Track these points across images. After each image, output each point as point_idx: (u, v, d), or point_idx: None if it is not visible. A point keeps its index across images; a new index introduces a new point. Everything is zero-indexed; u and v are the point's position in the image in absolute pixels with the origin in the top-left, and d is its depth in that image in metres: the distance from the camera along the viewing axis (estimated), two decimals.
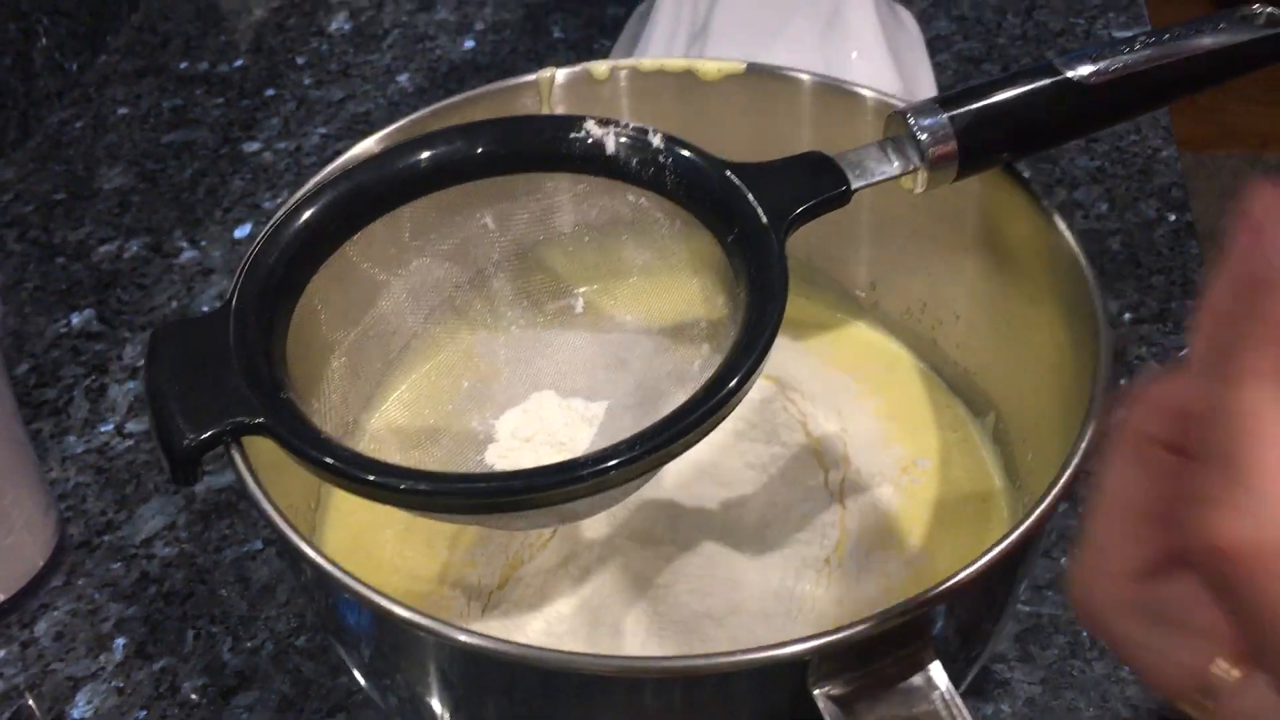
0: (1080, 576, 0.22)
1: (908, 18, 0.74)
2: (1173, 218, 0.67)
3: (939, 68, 0.75)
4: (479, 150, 0.41)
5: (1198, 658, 0.22)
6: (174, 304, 0.65)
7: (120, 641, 0.52)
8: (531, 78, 0.46)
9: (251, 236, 0.68)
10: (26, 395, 0.61)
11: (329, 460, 0.33)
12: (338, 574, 0.32)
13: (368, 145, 0.43)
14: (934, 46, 0.76)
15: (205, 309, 0.65)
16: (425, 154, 0.41)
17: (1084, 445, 0.35)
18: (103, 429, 0.60)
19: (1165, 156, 0.69)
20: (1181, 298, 0.63)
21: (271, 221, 0.39)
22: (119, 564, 0.54)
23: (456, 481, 0.33)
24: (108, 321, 0.65)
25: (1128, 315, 0.62)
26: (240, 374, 0.35)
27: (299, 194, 0.39)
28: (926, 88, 0.70)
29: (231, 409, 0.34)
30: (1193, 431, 0.21)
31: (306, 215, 0.39)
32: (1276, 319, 0.20)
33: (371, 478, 0.33)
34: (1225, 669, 0.22)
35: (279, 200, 0.71)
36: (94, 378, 0.62)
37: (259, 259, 0.38)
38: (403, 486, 0.33)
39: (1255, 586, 0.20)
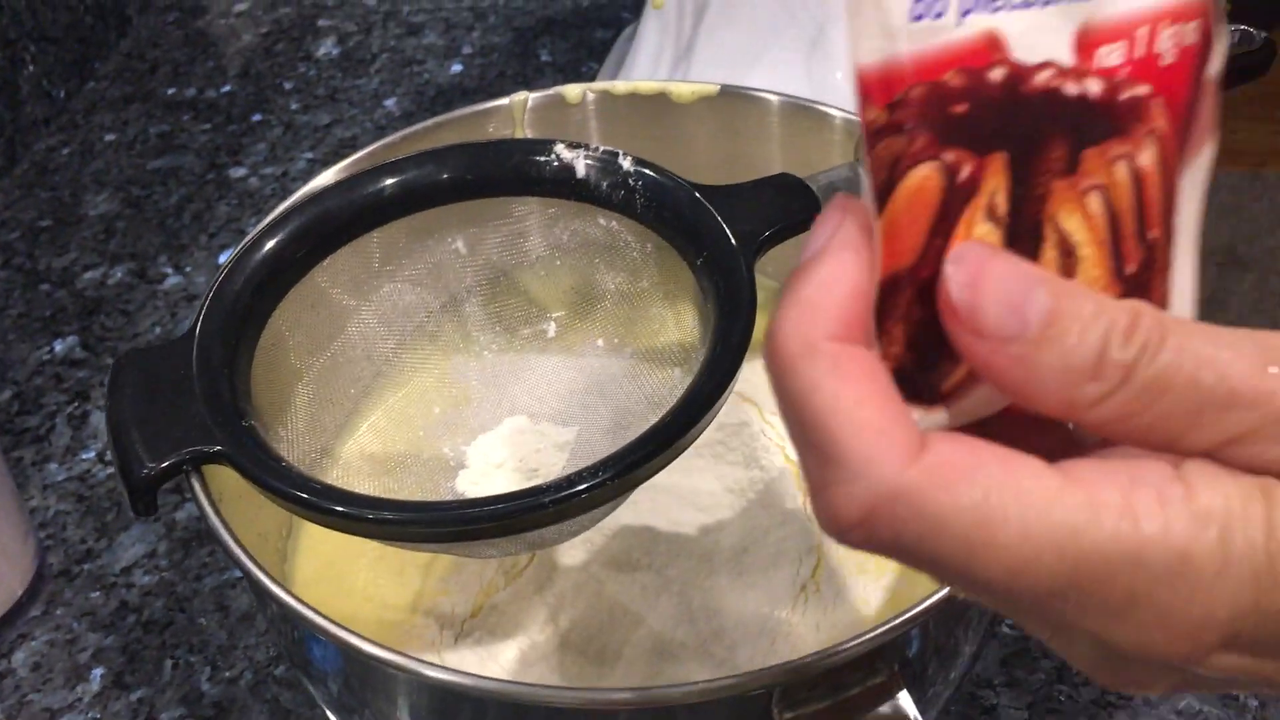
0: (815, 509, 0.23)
1: None
2: None
3: None
4: (448, 175, 0.41)
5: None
6: (157, 330, 0.65)
7: (98, 672, 0.51)
8: (504, 101, 0.46)
9: None
10: (9, 422, 0.61)
11: (288, 489, 0.33)
12: (301, 609, 0.32)
13: (330, 174, 0.43)
14: None
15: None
16: (393, 179, 0.40)
17: None
18: (84, 456, 0.59)
19: None
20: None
21: (238, 247, 0.38)
22: (98, 593, 0.54)
23: (417, 511, 0.32)
24: (91, 348, 0.64)
25: None
26: (202, 402, 0.35)
27: (266, 220, 0.39)
28: None
29: (191, 437, 0.34)
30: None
31: (273, 242, 0.39)
32: (799, 297, 0.22)
33: (333, 507, 0.32)
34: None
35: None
36: (76, 405, 0.62)
37: (224, 286, 0.38)
38: (369, 516, 0.32)
39: (893, 547, 0.21)
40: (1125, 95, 0.22)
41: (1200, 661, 0.21)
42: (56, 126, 0.78)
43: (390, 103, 0.79)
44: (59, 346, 0.65)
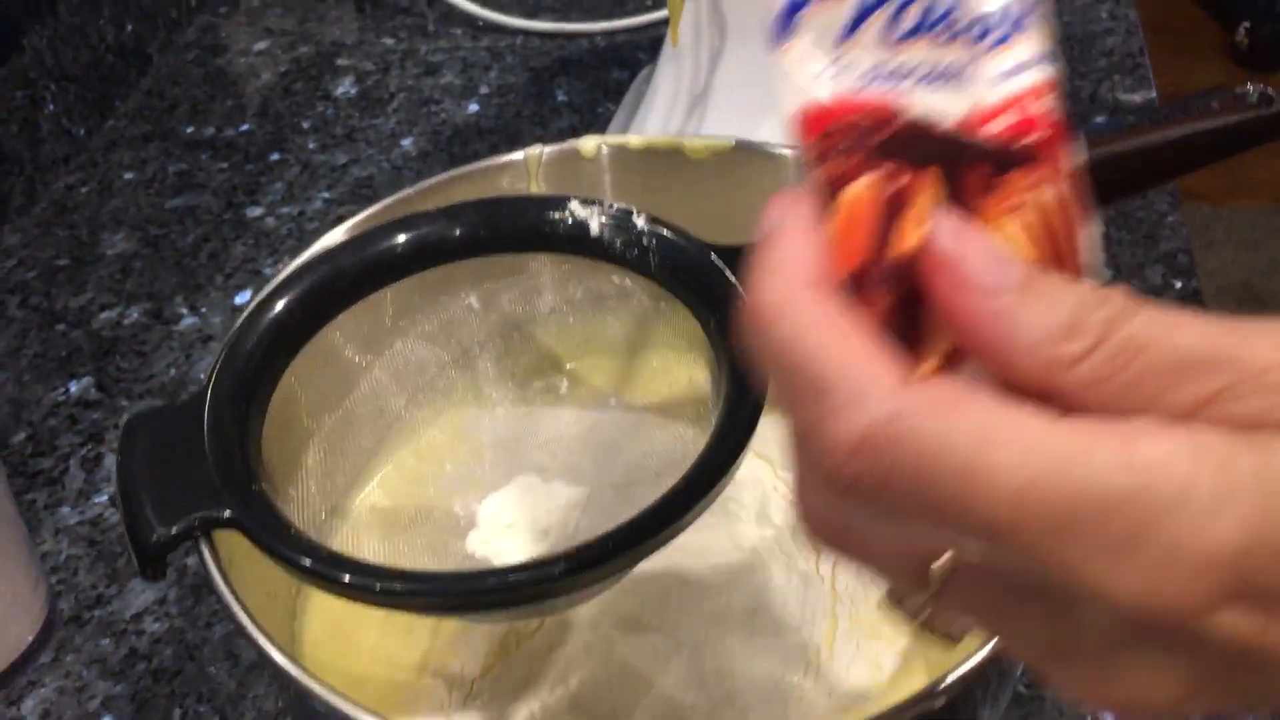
0: (796, 501, 0.23)
1: None
2: (1179, 284, 0.66)
3: None
4: (462, 231, 0.41)
5: (911, 552, 0.23)
6: (172, 371, 0.65)
7: None
8: (518, 155, 0.46)
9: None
10: (22, 465, 0.61)
11: (297, 558, 0.33)
12: (303, 678, 0.32)
13: (341, 231, 0.43)
14: None
15: (201, 377, 0.65)
16: (408, 236, 0.40)
17: None
18: (97, 500, 0.59)
19: (1171, 221, 0.68)
20: None
21: (250, 305, 0.38)
22: (108, 640, 0.54)
23: (424, 582, 0.32)
24: (106, 390, 0.64)
25: None
26: (212, 465, 0.34)
27: (278, 278, 0.39)
28: None
29: (202, 502, 0.34)
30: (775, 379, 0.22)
31: (285, 300, 0.39)
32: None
33: (339, 576, 0.32)
34: (939, 564, 0.22)
35: (280, 266, 0.71)
36: (90, 447, 0.62)
37: (237, 345, 0.37)
38: (376, 587, 0.32)
39: (889, 475, 0.21)
40: (1024, 140, 0.24)
41: (1208, 616, 0.20)
42: (76, 165, 0.78)
43: (407, 142, 0.79)
44: (74, 387, 0.65)
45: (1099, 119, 0.74)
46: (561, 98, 0.81)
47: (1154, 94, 0.76)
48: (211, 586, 0.52)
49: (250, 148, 0.79)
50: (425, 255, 0.41)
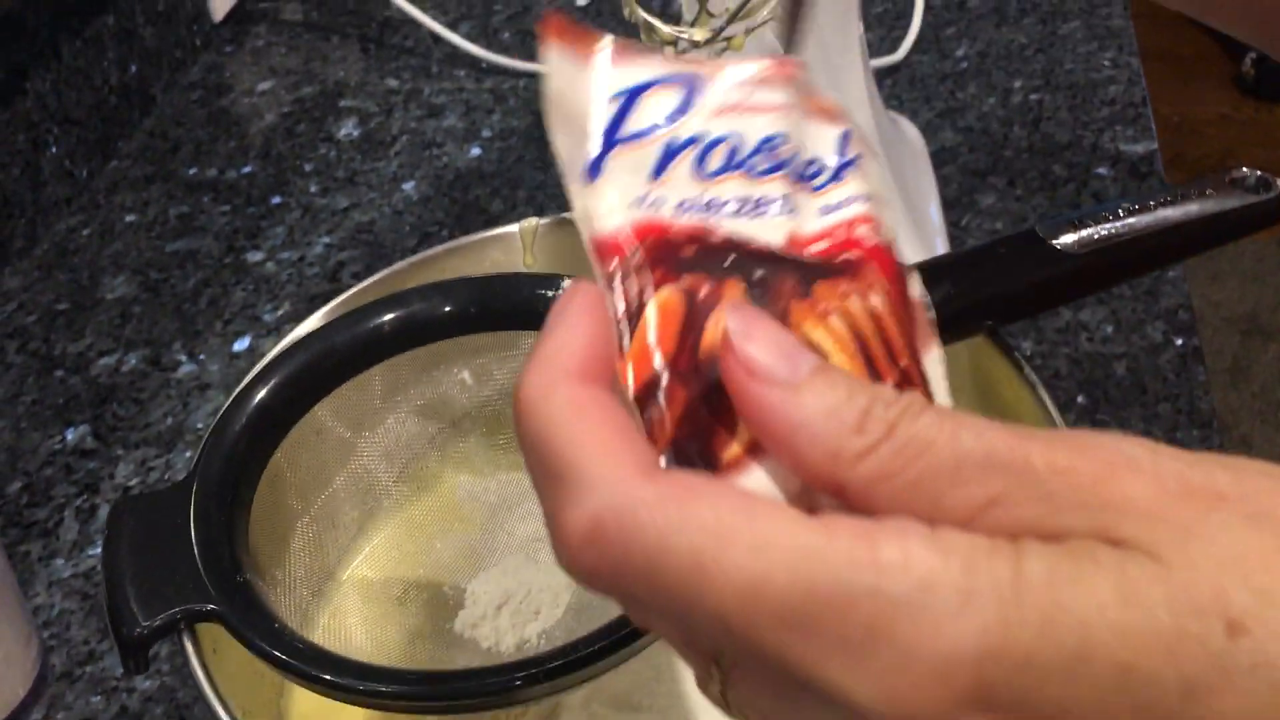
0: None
1: (910, 129, 0.74)
2: (1179, 342, 0.65)
3: (943, 180, 0.74)
4: (452, 309, 0.41)
5: (686, 640, 0.22)
6: (169, 420, 0.65)
7: None
8: (513, 229, 0.46)
9: (250, 350, 0.69)
10: (17, 515, 0.61)
11: (279, 656, 0.32)
12: None
13: (318, 317, 0.43)
14: (938, 159, 0.76)
15: (199, 426, 0.65)
16: (396, 314, 0.40)
17: None
18: (91, 552, 0.59)
19: (1172, 277, 0.68)
20: (1189, 427, 0.61)
21: (239, 388, 0.38)
22: (99, 697, 0.54)
23: (408, 684, 0.32)
24: (102, 438, 0.65)
25: None
26: (198, 555, 0.34)
27: (265, 359, 0.39)
28: (930, 201, 0.69)
29: (186, 594, 0.34)
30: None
31: (274, 381, 0.39)
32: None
33: (321, 675, 0.32)
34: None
35: (280, 313, 0.71)
36: (85, 498, 0.62)
37: (223, 429, 0.37)
38: (359, 688, 0.32)
39: (620, 568, 0.20)
40: (841, 256, 0.25)
41: None
42: (78, 206, 0.79)
43: (409, 186, 0.79)
44: (70, 435, 0.65)
45: (1100, 174, 0.74)
46: None
47: (1155, 145, 0.76)
48: (195, 685, 0.52)
49: (252, 190, 0.79)
50: (416, 333, 0.41)
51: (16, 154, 0.74)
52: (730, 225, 0.25)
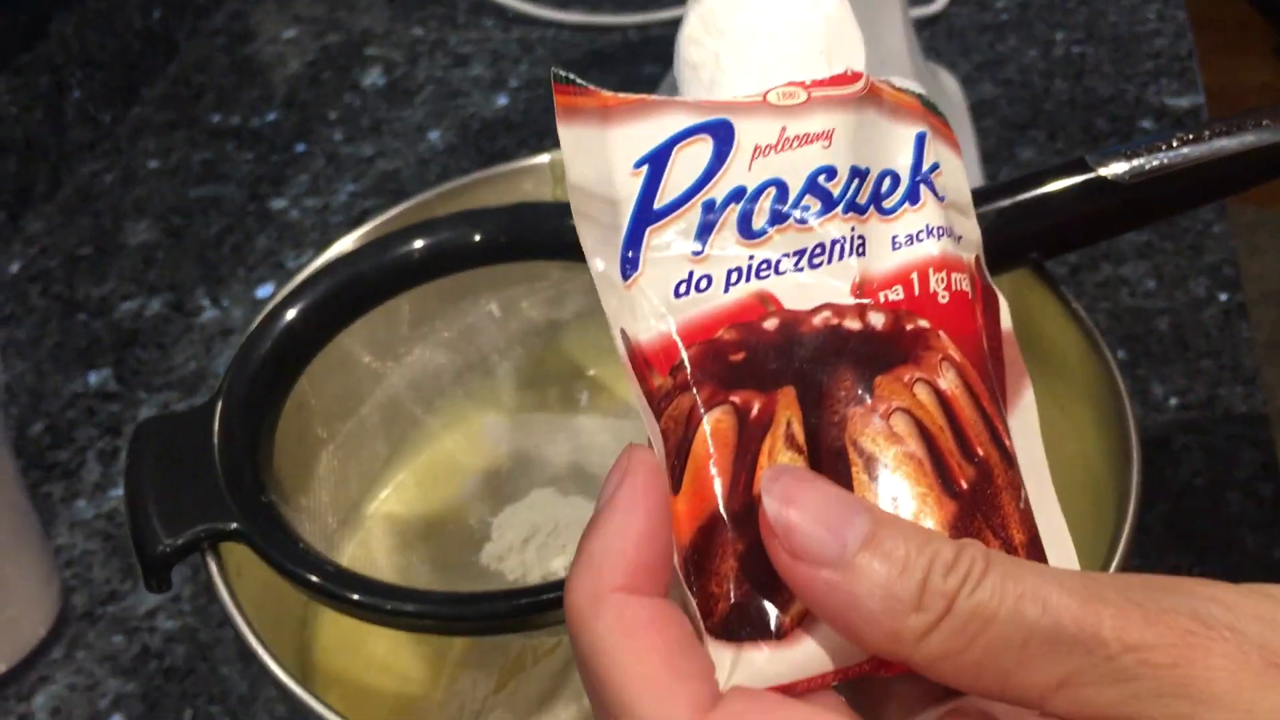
0: None
1: (950, 82, 0.72)
2: (1224, 297, 0.64)
3: (982, 134, 0.73)
4: (481, 238, 0.40)
5: None
6: (192, 364, 0.65)
7: (117, 718, 0.51)
8: (542, 159, 0.45)
9: (274, 296, 0.68)
10: (39, 457, 0.60)
11: (304, 575, 0.32)
12: (307, 699, 0.31)
13: (351, 239, 0.42)
14: (977, 112, 0.74)
15: (220, 370, 0.64)
16: (426, 241, 0.39)
17: (1119, 555, 0.33)
18: (113, 494, 0.59)
19: (1217, 232, 0.66)
20: (1231, 383, 0.60)
21: (264, 311, 0.38)
22: (120, 636, 0.53)
23: (435, 604, 0.31)
24: (124, 381, 0.64)
25: (1173, 401, 0.59)
26: (221, 475, 0.34)
27: (292, 283, 0.38)
28: (968, 155, 0.67)
29: (209, 513, 0.33)
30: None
31: (300, 305, 0.38)
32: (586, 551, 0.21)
33: (347, 595, 0.31)
34: None
35: (303, 260, 0.70)
36: (107, 440, 0.61)
37: (249, 352, 0.37)
38: (386, 607, 0.31)
39: None
40: (908, 327, 0.23)
41: None
42: (100, 151, 0.78)
43: (434, 135, 0.78)
44: (93, 379, 0.64)
45: (1144, 128, 0.73)
46: None
47: (1202, 99, 0.74)
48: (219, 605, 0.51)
49: (276, 138, 0.78)
50: (444, 261, 0.40)
51: (39, 97, 0.73)
52: (788, 287, 0.22)
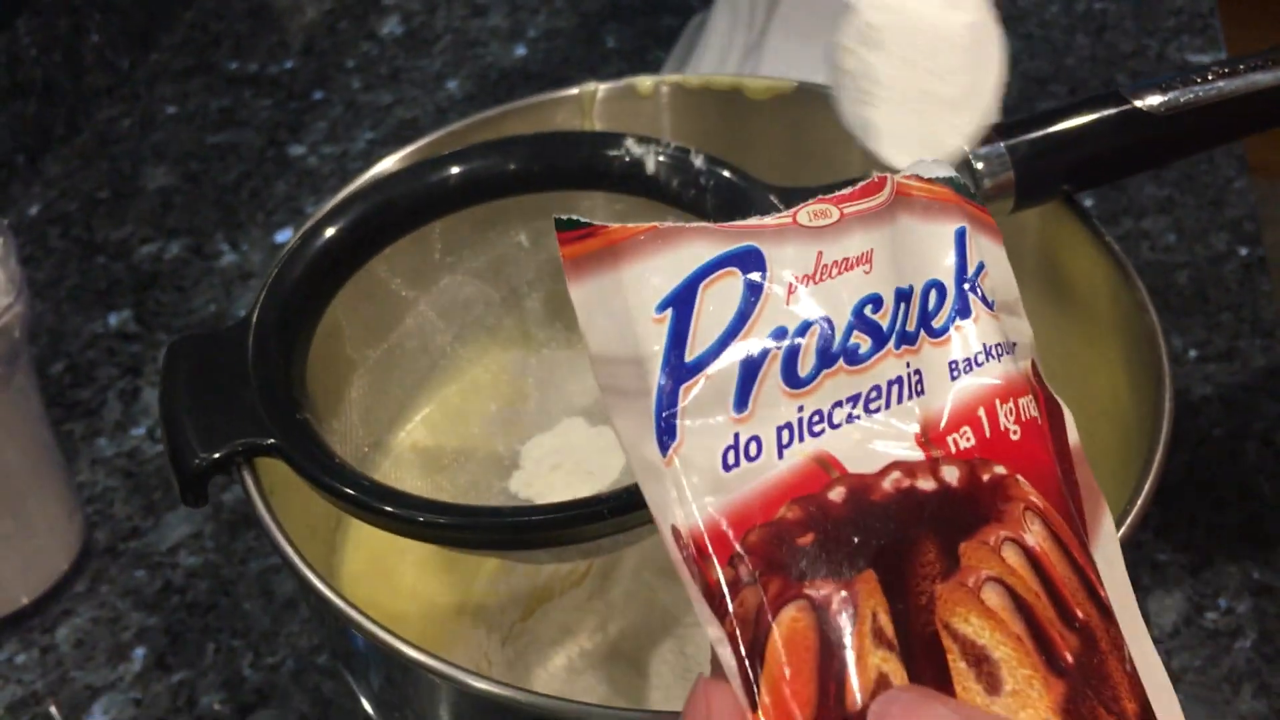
0: None
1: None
2: (1244, 251, 0.64)
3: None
4: (515, 166, 0.40)
5: None
6: (212, 307, 0.65)
7: (140, 651, 0.51)
8: (573, 91, 0.45)
9: None
10: (60, 395, 0.61)
11: (341, 488, 0.32)
12: (347, 610, 0.31)
13: (392, 161, 0.42)
14: None
15: (241, 313, 0.64)
16: (459, 169, 0.39)
17: (1141, 500, 0.33)
18: (134, 432, 0.59)
19: (1238, 187, 0.66)
20: (1251, 336, 0.60)
21: (298, 234, 0.38)
22: (143, 571, 0.54)
23: (469, 516, 0.31)
24: (145, 323, 0.64)
25: (1193, 353, 0.59)
26: (256, 392, 0.34)
27: (326, 207, 0.38)
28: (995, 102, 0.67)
29: (245, 429, 0.33)
30: None
31: (334, 229, 0.38)
32: None
33: (383, 507, 0.31)
34: None
35: (322, 205, 0.70)
36: (128, 380, 0.61)
37: (283, 273, 0.37)
38: (420, 519, 0.31)
39: None
40: (985, 477, 0.20)
41: None
42: (119, 96, 0.78)
43: (453, 84, 0.78)
44: (113, 320, 0.64)
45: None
46: (611, 44, 0.79)
47: (1223, 54, 0.74)
48: (253, 515, 0.51)
49: (294, 85, 0.78)
50: (477, 189, 0.40)
51: (57, 40, 0.73)
52: (848, 446, 0.20)
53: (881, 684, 0.19)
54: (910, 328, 0.21)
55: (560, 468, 0.40)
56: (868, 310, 0.21)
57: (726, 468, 0.19)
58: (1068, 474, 0.22)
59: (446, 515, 0.31)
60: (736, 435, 0.19)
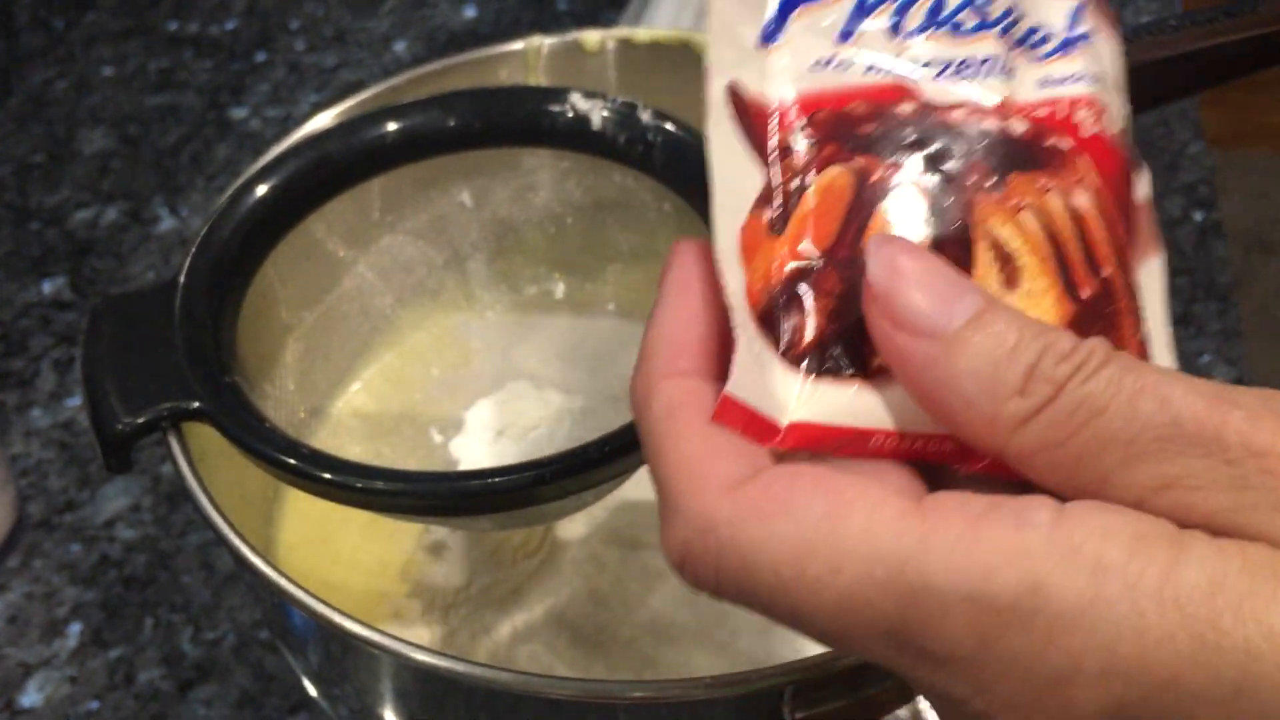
0: None
1: None
2: (1199, 216, 0.63)
3: None
4: (456, 121, 0.38)
5: None
6: (150, 274, 0.63)
7: (76, 627, 0.49)
8: (518, 46, 0.43)
9: None
10: None
11: (272, 453, 0.30)
12: (280, 581, 0.30)
13: (330, 115, 0.40)
14: None
15: None
16: (398, 124, 0.38)
17: None
18: (69, 403, 0.57)
19: (1194, 152, 0.66)
20: (1205, 300, 0.60)
21: (229, 191, 0.36)
22: (78, 546, 0.52)
23: (409, 481, 0.30)
24: (80, 291, 0.62)
25: None
26: (183, 355, 0.32)
27: (261, 162, 0.37)
28: None
29: (171, 392, 0.32)
30: None
31: (267, 186, 0.36)
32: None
33: (318, 473, 0.30)
34: None
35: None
36: (62, 349, 0.59)
37: (213, 231, 0.35)
38: (357, 485, 0.30)
39: (720, 585, 0.19)
40: (1050, 141, 0.22)
41: None
42: (54, 58, 0.75)
43: (400, 46, 0.76)
44: (47, 287, 0.62)
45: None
46: (562, 6, 0.77)
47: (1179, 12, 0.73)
48: (183, 485, 0.50)
49: (235, 47, 0.76)
50: (417, 146, 0.38)
51: None
52: (930, 86, 0.22)
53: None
54: (1017, 35, 0.23)
55: (505, 434, 0.39)
56: (978, 6, 0.23)
57: (814, 68, 0.22)
58: (1122, 207, 0.23)
59: (384, 480, 0.30)
60: (834, 54, 0.22)
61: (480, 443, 0.38)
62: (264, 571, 0.30)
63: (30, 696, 0.48)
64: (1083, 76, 0.23)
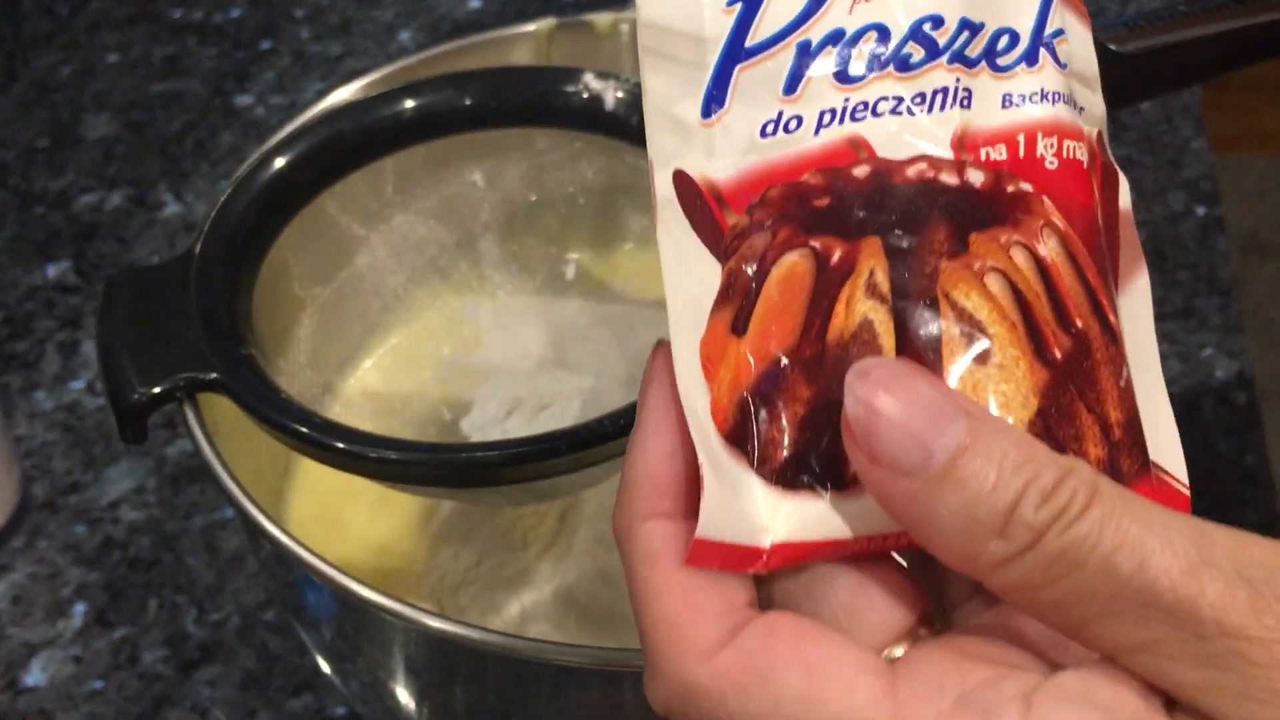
0: None
1: None
2: (1201, 211, 0.64)
3: None
4: (469, 101, 0.39)
5: None
6: (154, 259, 0.63)
7: (80, 608, 0.49)
8: (530, 28, 0.43)
9: None
10: None
11: (287, 422, 0.31)
12: (297, 550, 0.30)
13: (347, 93, 0.41)
14: None
15: None
16: (412, 103, 0.38)
17: None
18: (74, 385, 0.57)
19: (1196, 148, 0.66)
20: (1207, 294, 0.60)
21: (245, 166, 0.36)
22: (83, 527, 0.52)
23: (423, 452, 0.30)
24: (85, 274, 0.62)
25: None
26: (199, 327, 0.32)
27: (275, 138, 0.37)
28: None
29: (186, 363, 0.32)
30: None
31: (283, 161, 0.37)
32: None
33: (333, 442, 0.30)
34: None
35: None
36: (67, 332, 0.59)
37: (229, 204, 0.35)
38: (371, 455, 0.30)
39: None
40: (1009, 189, 0.22)
41: None
42: (59, 44, 0.75)
43: (404, 35, 0.76)
44: (51, 271, 0.62)
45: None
46: None
47: None
48: (197, 468, 0.50)
49: (240, 34, 0.76)
50: (430, 124, 0.39)
51: None
52: (884, 135, 0.21)
53: (865, 328, 0.20)
54: (971, 53, 0.22)
55: (515, 414, 0.39)
56: (926, 27, 0.22)
57: (764, 135, 0.21)
58: (1110, 226, 0.23)
59: (398, 451, 0.30)
60: (780, 113, 0.21)
61: (490, 422, 0.38)
62: (283, 542, 0.30)
63: (34, 675, 0.48)
64: (1045, 96, 0.22)
